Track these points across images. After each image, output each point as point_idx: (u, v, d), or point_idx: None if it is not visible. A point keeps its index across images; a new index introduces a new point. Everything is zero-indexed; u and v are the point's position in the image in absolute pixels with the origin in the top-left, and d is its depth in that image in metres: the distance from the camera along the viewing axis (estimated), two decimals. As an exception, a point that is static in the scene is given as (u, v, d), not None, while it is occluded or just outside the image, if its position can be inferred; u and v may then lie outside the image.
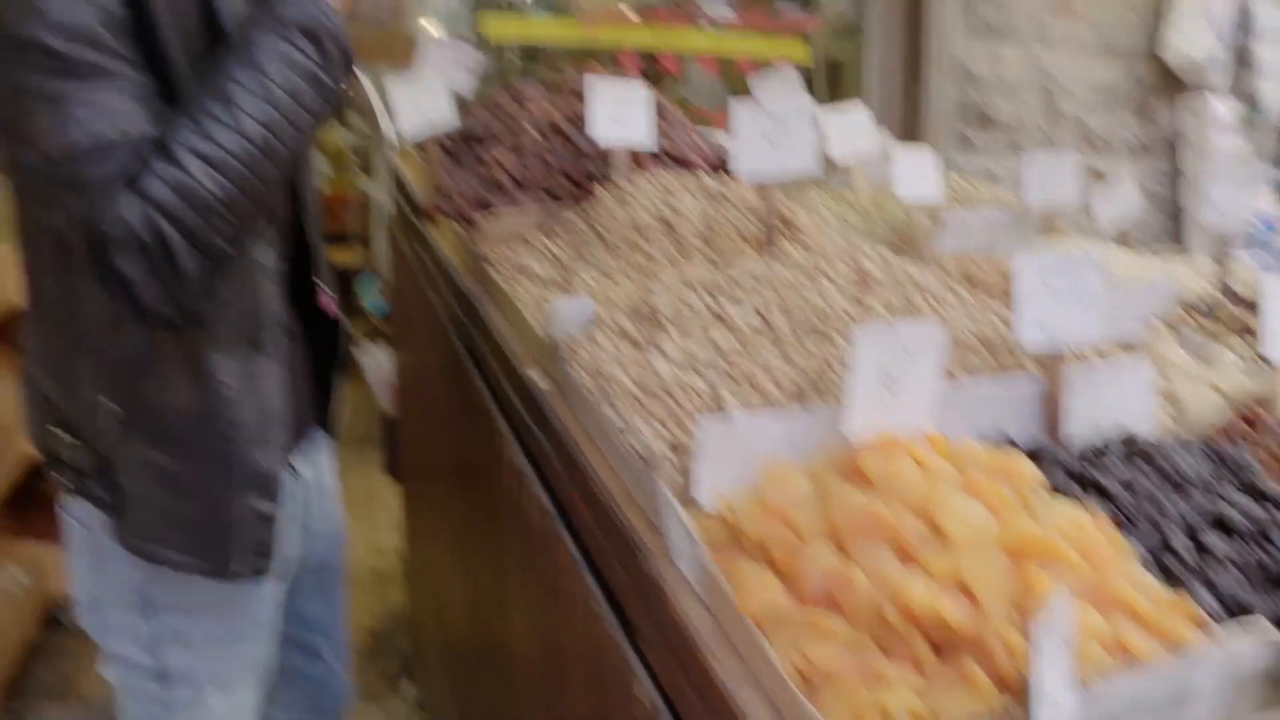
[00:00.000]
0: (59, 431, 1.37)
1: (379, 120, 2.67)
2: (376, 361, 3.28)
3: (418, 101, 2.17)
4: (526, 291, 1.64)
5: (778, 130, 1.52)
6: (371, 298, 3.38)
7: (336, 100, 1.24)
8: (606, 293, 1.55)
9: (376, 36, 8.61)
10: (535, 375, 1.43)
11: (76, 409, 1.34)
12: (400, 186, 2.58)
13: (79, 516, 1.42)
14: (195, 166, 1.12)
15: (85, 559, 1.44)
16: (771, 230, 1.68)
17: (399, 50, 9.15)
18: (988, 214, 1.96)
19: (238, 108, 1.15)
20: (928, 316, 1.33)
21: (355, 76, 2.62)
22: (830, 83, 4.14)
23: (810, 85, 3.49)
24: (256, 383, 1.36)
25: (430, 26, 9.53)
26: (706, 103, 3.99)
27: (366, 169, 7.08)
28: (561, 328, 1.39)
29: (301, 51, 1.19)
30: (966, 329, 1.31)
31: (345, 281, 6.00)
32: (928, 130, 3.70)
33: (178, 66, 1.19)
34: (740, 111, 1.53)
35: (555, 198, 1.91)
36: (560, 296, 1.55)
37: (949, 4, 3.65)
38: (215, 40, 1.23)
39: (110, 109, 1.12)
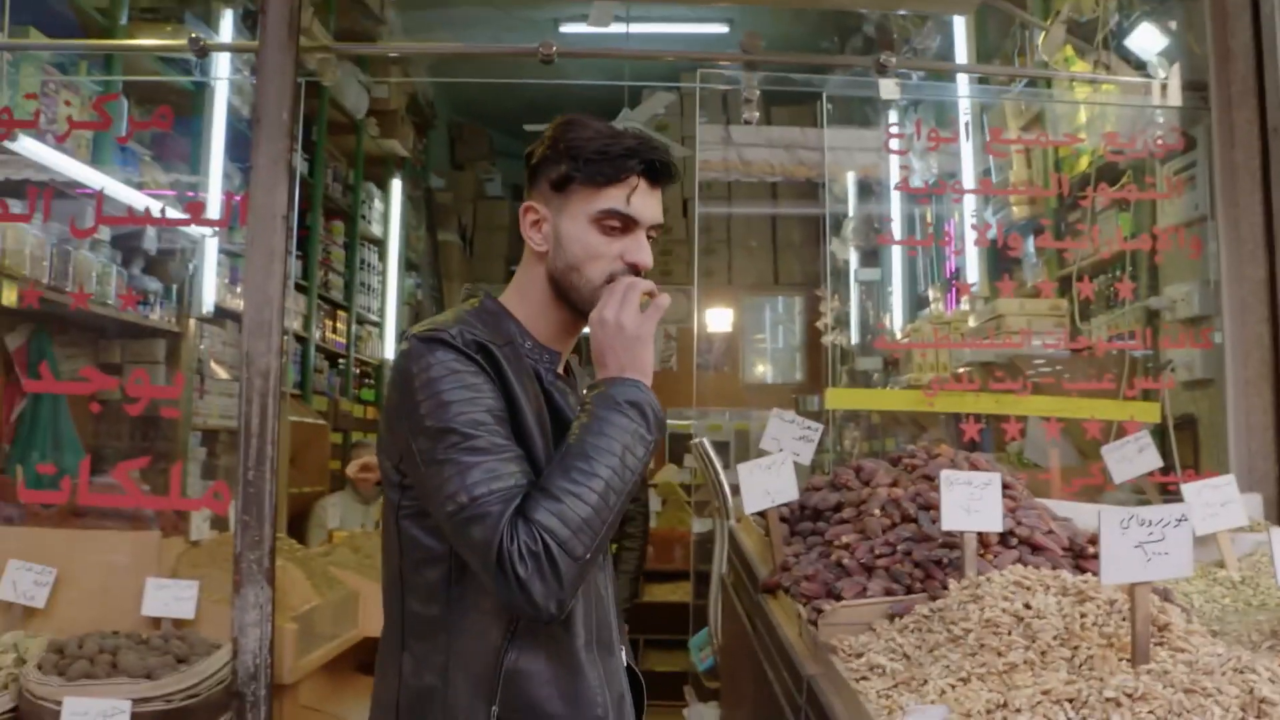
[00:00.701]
0: None
1: (718, 483, 2.77)
2: None
3: (761, 474, 2.24)
4: (873, 688, 1.59)
5: (1151, 539, 1.45)
6: (701, 653, 3.38)
7: (654, 451, 1.61)
8: (961, 700, 1.47)
9: (715, 381, 9.09)
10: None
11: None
12: (738, 551, 2.63)
13: None
14: (567, 499, 1.51)
15: None
16: (1141, 636, 1.57)
17: (731, 393, 9.53)
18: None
19: (594, 459, 1.53)
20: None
21: (701, 447, 2.76)
22: (1181, 440, 3.92)
23: (1162, 444, 3.32)
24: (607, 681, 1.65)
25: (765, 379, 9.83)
26: (1046, 458, 3.87)
27: (698, 508, 7.30)
28: (917, 744, 1.32)
29: (632, 420, 1.57)
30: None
31: (676, 620, 6.08)
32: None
33: (535, 443, 1.59)
34: (1110, 524, 1.47)
35: (903, 585, 1.87)
36: (911, 700, 1.49)
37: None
38: (558, 428, 1.63)
39: (500, 470, 1.53)
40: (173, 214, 2.79)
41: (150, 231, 4.16)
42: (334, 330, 6.88)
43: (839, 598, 1.90)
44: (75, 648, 2.31)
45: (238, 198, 2.60)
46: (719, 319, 9.56)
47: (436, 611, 1.60)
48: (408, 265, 8.19)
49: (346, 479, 5.75)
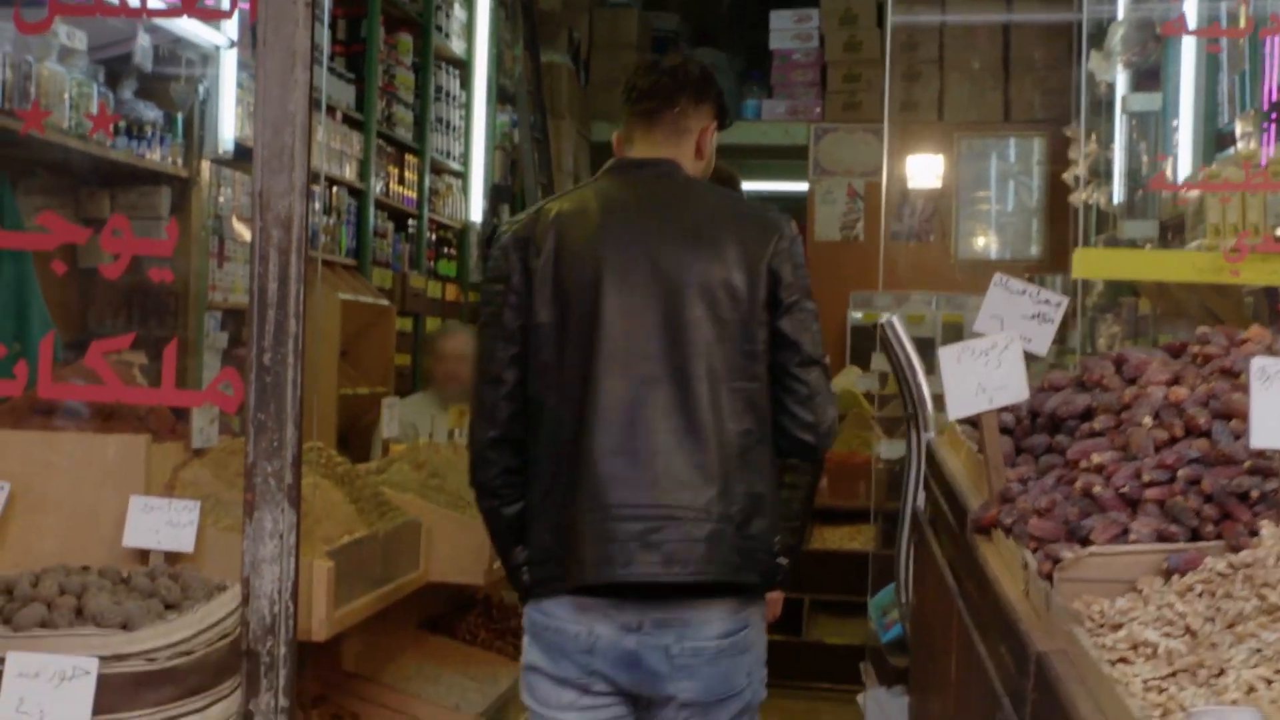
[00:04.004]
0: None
1: (912, 377, 2.62)
2: (884, 711, 3.15)
3: (974, 362, 2.08)
4: (1138, 676, 1.45)
5: None
6: (884, 618, 3.27)
7: None
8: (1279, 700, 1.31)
9: (915, 256, 8.86)
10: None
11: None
12: (938, 476, 2.49)
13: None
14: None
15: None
16: None
17: (940, 273, 9.30)
18: None
19: None
20: None
21: (891, 328, 2.61)
22: None
23: None
24: None
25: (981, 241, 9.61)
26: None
27: (886, 426, 7.14)
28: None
29: None
30: None
31: (853, 576, 5.99)
32: None
33: None
34: None
35: (1186, 527, 1.72)
36: (1199, 697, 1.35)
37: None
38: None
39: None
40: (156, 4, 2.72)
41: (143, 40, 4.13)
42: (400, 181, 6.89)
43: (1086, 541, 1.78)
44: (28, 587, 2.31)
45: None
46: (923, 170, 9.29)
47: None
48: (500, 95, 8.16)
49: (427, 377, 5.76)
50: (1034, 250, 9.47)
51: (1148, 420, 1.94)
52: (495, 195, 7.99)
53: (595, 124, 9.68)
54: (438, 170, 7.37)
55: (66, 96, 3.84)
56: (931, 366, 2.92)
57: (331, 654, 3.22)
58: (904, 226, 9.31)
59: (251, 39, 3.35)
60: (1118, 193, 6.86)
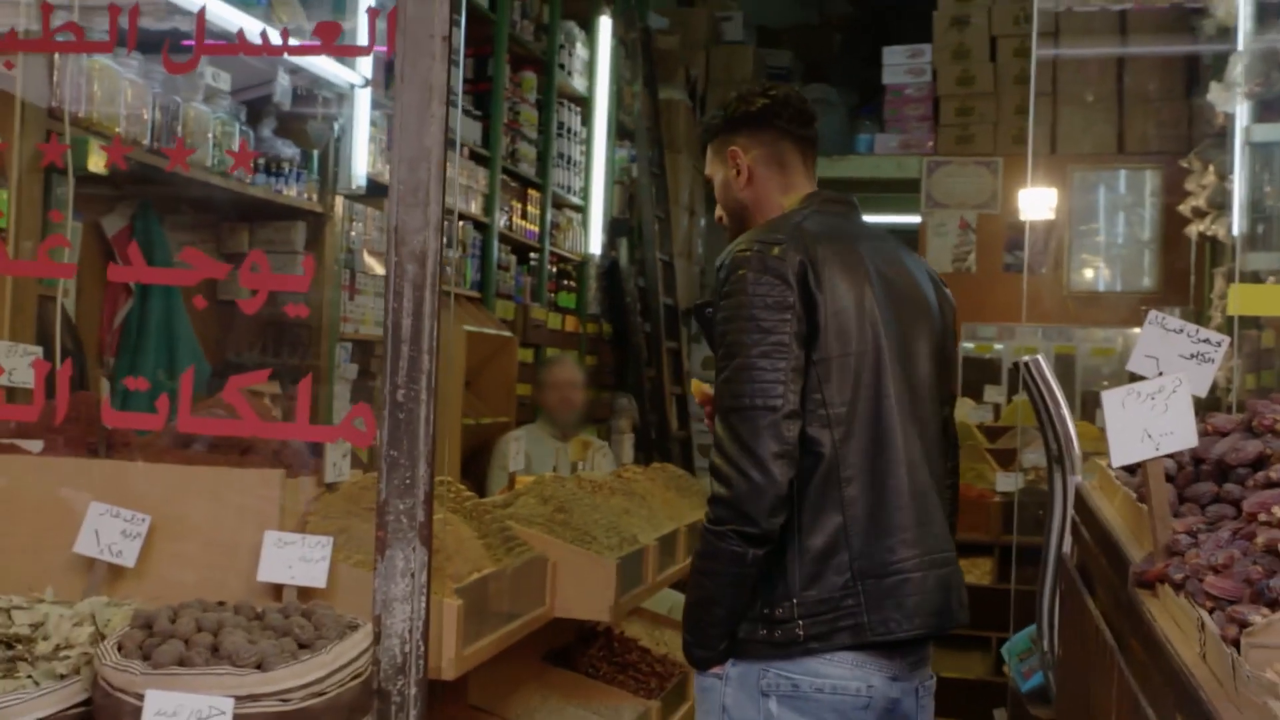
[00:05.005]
0: None
1: (1057, 418, 2.45)
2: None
3: (1140, 406, 1.92)
4: None
5: None
6: (1023, 665, 3.07)
7: None
8: None
9: (1029, 288, 8.61)
10: None
11: None
12: (1090, 522, 2.31)
13: None
14: None
15: None
16: None
17: (1051, 304, 9.02)
18: None
19: None
20: None
21: (1034, 367, 2.45)
22: None
23: None
24: None
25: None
26: None
27: (1001, 459, 6.90)
28: None
29: None
30: None
31: (971, 609, 5.74)
32: None
33: None
34: None
35: None
36: None
37: None
38: None
39: None
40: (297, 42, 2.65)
41: (282, 80, 4.10)
42: (523, 216, 6.82)
43: (1274, 604, 1.59)
44: (167, 623, 2.23)
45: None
46: (1037, 203, 8.96)
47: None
48: (619, 131, 8.13)
49: (539, 407, 5.67)
50: (1146, 282, 9.20)
51: (1333, 471, 1.76)
52: (614, 229, 7.93)
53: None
54: (559, 204, 7.34)
55: (210, 135, 3.82)
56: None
57: (457, 689, 3.11)
58: (1017, 258, 9.09)
59: (386, 78, 3.30)
60: (1237, 224, 6.62)
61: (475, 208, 6.12)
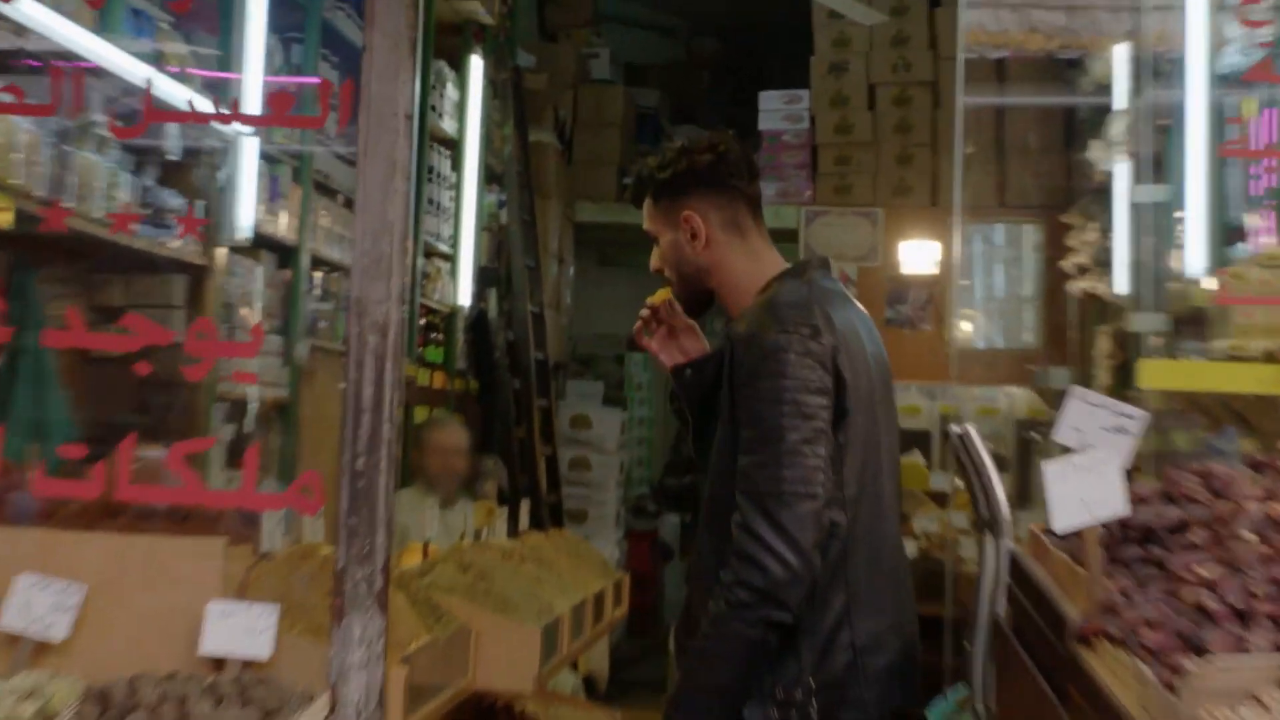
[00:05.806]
0: None
1: (984, 484, 2.77)
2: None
3: (1077, 477, 2.24)
4: None
5: None
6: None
7: None
8: None
9: (909, 345, 8.89)
10: None
11: None
12: (1022, 583, 2.63)
13: None
14: None
15: None
16: None
17: (931, 362, 9.21)
18: None
19: None
20: None
21: (966, 439, 2.77)
22: None
23: None
24: None
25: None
26: None
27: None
28: None
29: None
30: None
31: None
32: None
33: None
34: None
35: None
36: None
37: None
38: None
39: None
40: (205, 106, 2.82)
41: (170, 129, 4.25)
42: (391, 266, 6.88)
43: (1202, 653, 1.90)
44: (125, 695, 2.37)
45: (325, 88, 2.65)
46: (917, 256, 9.44)
47: None
48: (488, 175, 8.19)
49: (417, 470, 5.76)
50: (1027, 338, 9.55)
51: (1250, 535, 2.09)
52: (482, 278, 7.96)
53: (579, 203, 9.80)
54: (429, 253, 7.38)
55: (99, 184, 3.94)
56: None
57: (386, 760, 3.26)
58: (897, 314, 9.40)
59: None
60: (1119, 282, 6.97)
61: (335, 254, 6.13)
